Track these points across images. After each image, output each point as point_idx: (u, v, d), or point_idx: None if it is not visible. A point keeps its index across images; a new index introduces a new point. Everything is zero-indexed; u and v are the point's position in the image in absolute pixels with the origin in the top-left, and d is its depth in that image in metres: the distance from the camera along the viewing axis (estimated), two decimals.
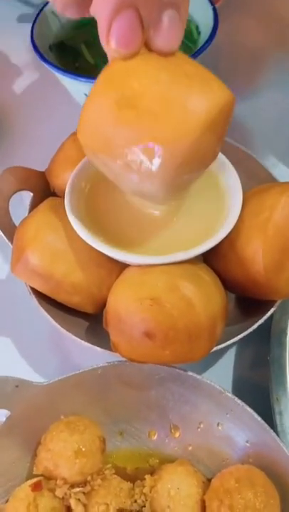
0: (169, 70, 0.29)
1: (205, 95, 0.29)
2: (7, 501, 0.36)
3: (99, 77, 0.30)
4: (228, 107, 0.30)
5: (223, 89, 0.30)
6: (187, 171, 0.31)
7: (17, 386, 0.36)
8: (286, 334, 0.41)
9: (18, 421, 0.37)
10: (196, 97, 0.29)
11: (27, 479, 0.37)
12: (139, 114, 0.28)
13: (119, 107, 0.29)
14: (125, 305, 0.35)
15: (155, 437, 0.40)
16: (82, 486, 0.35)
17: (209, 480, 0.36)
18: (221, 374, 0.44)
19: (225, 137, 0.34)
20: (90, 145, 0.31)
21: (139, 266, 0.38)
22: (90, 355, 0.39)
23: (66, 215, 0.39)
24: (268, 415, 0.37)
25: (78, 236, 0.38)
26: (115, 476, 0.37)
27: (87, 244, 0.38)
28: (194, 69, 0.30)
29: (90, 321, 0.42)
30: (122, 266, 0.39)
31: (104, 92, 0.30)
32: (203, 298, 0.35)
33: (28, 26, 0.73)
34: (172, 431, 0.39)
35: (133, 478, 0.38)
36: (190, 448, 0.39)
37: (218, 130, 0.31)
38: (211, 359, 0.45)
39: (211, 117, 0.29)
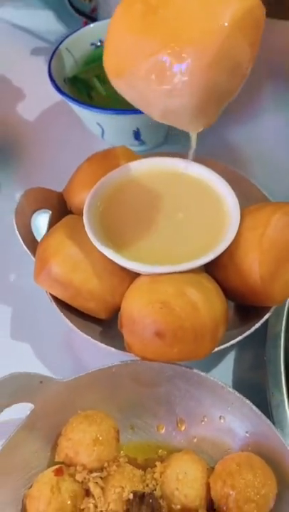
0: None
1: None
2: (30, 487, 0.39)
3: None
4: (257, 12, 0.30)
5: None
6: (218, 77, 0.30)
7: (41, 382, 0.40)
8: (280, 337, 0.45)
9: (41, 414, 0.40)
10: None
11: (47, 468, 0.40)
12: (164, 19, 0.29)
13: (143, 16, 0.29)
14: (138, 309, 0.39)
15: (163, 431, 0.43)
16: (99, 472, 0.39)
17: (213, 468, 0.40)
18: (223, 374, 0.48)
19: (258, 48, 0.31)
20: (116, 63, 0.31)
21: (150, 275, 0.42)
22: (102, 357, 0.43)
23: (84, 230, 0.43)
24: (264, 410, 0.40)
25: (95, 248, 0.42)
26: (128, 464, 0.40)
27: (103, 255, 0.42)
28: None
29: (102, 326, 0.47)
30: (133, 275, 0.44)
31: (129, 6, 0.30)
32: (207, 302, 0.40)
33: (42, 59, 0.78)
34: (179, 424, 0.43)
35: (143, 467, 0.41)
36: (195, 440, 0.42)
37: (248, 35, 0.30)
38: (213, 360, 0.49)
39: (239, 16, 0.28)
